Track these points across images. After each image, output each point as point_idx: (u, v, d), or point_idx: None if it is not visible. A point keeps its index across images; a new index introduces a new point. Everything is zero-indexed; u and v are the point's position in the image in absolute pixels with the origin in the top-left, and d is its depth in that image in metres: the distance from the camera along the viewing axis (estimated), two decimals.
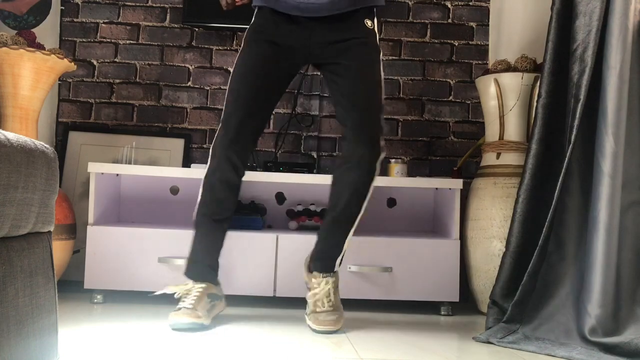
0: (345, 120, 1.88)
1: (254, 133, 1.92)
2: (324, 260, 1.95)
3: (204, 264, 1.93)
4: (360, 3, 1.89)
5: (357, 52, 1.89)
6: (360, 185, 1.87)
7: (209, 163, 1.91)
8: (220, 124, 1.90)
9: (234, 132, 1.86)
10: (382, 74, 1.92)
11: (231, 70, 2.83)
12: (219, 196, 1.90)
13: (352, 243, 2.26)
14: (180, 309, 1.81)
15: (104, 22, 2.80)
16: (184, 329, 1.78)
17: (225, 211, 1.92)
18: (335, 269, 1.95)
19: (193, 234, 1.94)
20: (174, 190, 2.59)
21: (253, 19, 1.98)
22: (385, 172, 2.53)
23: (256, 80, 1.89)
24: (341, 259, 1.96)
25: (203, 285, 1.89)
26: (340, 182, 1.89)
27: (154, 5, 2.82)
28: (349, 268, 2.23)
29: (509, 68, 2.34)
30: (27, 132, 2.17)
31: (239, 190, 1.93)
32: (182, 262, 2.18)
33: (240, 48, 1.95)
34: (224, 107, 1.91)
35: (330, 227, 1.94)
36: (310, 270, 1.98)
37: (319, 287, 1.91)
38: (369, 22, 1.92)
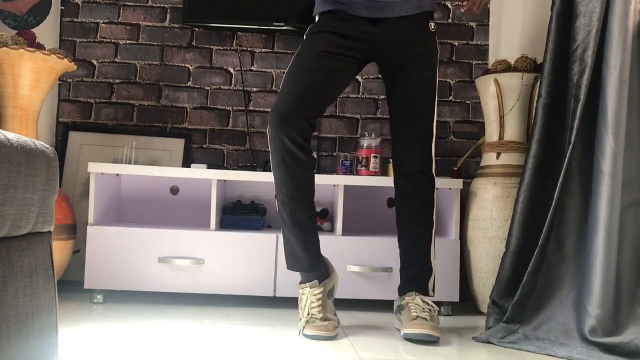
0: (398, 127, 1.90)
1: (307, 117, 1.79)
2: (416, 282, 1.89)
3: (308, 255, 1.84)
4: (424, 7, 1.89)
5: (422, 61, 1.88)
6: (426, 195, 1.89)
7: (271, 156, 1.81)
8: (270, 113, 1.80)
9: (283, 113, 1.76)
10: (437, 80, 1.94)
11: (231, 70, 2.82)
12: (293, 178, 1.79)
13: (353, 243, 2.27)
14: (310, 320, 1.78)
15: (104, 22, 2.80)
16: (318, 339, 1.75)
17: (304, 189, 1.81)
18: (430, 293, 1.90)
19: (282, 226, 1.85)
20: (174, 190, 2.59)
21: (317, 19, 1.94)
22: (385, 172, 2.53)
23: (310, 68, 1.83)
24: (433, 283, 1.91)
25: (318, 286, 1.83)
26: (405, 195, 1.90)
27: (154, 5, 2.82)
28: (349, 268, 2.23)
29: (509, 68, 2.34)
30: (27, 132, 2.17)
31: (312, 166, 1.83)
32: (182, 262, 2.19)
33: (304, 40, 1.90)
34: (281, 87, 1.85)
35: (410, 248, 1.91)
36: (401, 293, 1.91)
37: (414, 300, 1.84)
38: (432, 24, 1.92)
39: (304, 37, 1.93)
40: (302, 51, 1.87)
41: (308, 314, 1.79)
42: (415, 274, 1.91)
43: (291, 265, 1.88)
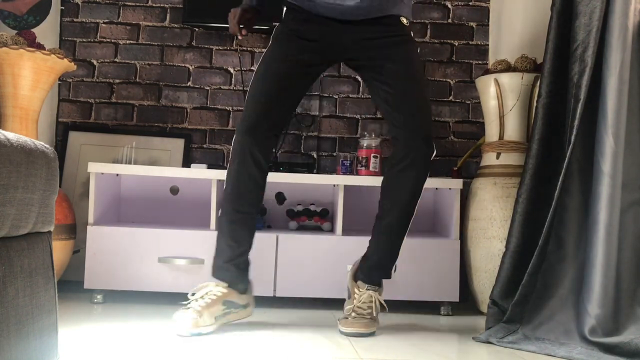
0: (396, 120, 1.85)
1: (273, 127, 1.84)
2: (376, 270, 1.91)
3: (227, 262, 1.86)
4: (388, 10, 1.86)
5: (398, 51, 1.86)
6: (418, 184, 1.85)
7: (230, 159, 1.86)
8: (240, 120, 1.85)
9: (250, 125, 1.80)
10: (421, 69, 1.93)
11: (231, 70, 2.82)
12: (241, 190, 1.83)
13: (352, 243, 2.27)
14: (188, 308, 1.77)
15: (104, 22, 2.80)
16: (183, 335, 1.73)
17: (248, 205, 1.85)
18: (390, 277, 1.92)
19: (217, 233, 1.88)
20: (174, 190, 2.59)
21: (283, 16, 1.93)
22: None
23: (277, 74, 1.84)
24: (395, 266, 1.93)
25: (223, 290, 1.84)
26: (396, 185, 1.86)
27: (154, 5, 2.82)
28: (349, 268, 2.22)
29: (509, 68, 2.34)
30: (27, 132, 2.17)
31: (263, 186, 1.86)
32: (182, 262, 2.19)
33: (269, 45, 1.91)
34: (247, 95, 1.86)
35: (386, 234, 1.89)
36: (355, 279, 1.93)
37: (359, 299, 1.87)
38: (404, 20, 1.90)
39: (274, 33, 1.91)
40: (268, 56, 1.87)
41: (190, 303, 1.80)
42: (379, 264, 1.91)
43: (220, 275, 1.87)
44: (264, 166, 1.84)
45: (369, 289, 1.88)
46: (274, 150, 1.91)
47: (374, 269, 1.91)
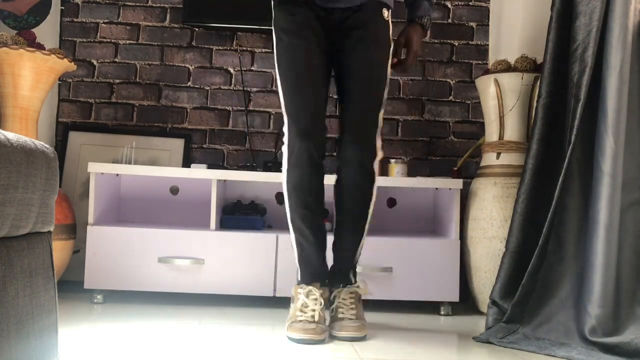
0: (341, 116, 1.86)
1: (324, 126, 1.85)
2: (339, 275, 1.89)
3: (317, 266, 1.85)
4: None
5: (367, 44, 1.83)
6: (360, 189, 1.84)
7: (285, 165, 1.82)
8: (288, 119, 1.81)
9: (306, 128, 1.78)
10: (389, 70, 1.88)
11: (231, 70, 2.82)
12: (312, 183, 1.81)
13: None
14: (298, 321, 1.74)
15: (104, 22, 2.80)
16: (306, 343, 1.70)
17: (320, 202, 1.84)
18: (352, 282, 1.88)
19: (294, 237, 1.86)
20: (174, 190, 2.59)
21: (274, 13, 1.89)
22: (385, 172, 2.53)
23: (308, 68, 1.81)
24: (354, 272, 1.90)
25: (319, 290, 1.82)
26: (340, 188, 1.87)
27: (154, 5, 2.82)
28: None
29: (509, 68, 2.34)
30: (27, 132, 2.17)
31: (323, 193, 1.86)
32: (182, 262, 2.18)
33: (275, 40, 1.87)
34: (283, 98, 1.82)
35: (341, 238, 1.89)
36: (330, 287, 1.90)
37: (341, 295, 1.84)
38: (385, 13, 1.88)
39: (276, 30, 1.86)
40: (286, 52, 1.83)
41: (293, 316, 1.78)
42: (343, 267, 1.89)
43: (307, 278, 1.85)
44: (323, 169, 1.84)
45: (344, 287, 1.87)
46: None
47: (337, 272, 1.91)
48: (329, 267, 1.92)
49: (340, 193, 1.87)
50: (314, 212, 1.83)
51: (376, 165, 1.85)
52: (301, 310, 1.77)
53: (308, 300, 1.79)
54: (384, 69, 1.86)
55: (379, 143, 1.84)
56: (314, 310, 1.76)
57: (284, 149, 1.83)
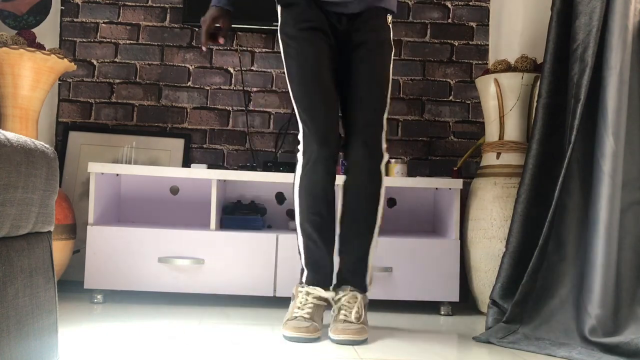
0: (346, 120, 1.86)
1: (338, 133, 1.84)
2: (347, 277, 1.86)
3: (324, 269, 1.85)
4: (377, 3, 1.86)
5: (371, 49, 1.85)
6: (368, 191, 1.84)
7: (300, 170, 1.83)
8: (303, 127, 1.81)
9: (324, 136, 1.79)
10: (391, 73, 1.90)
11: (231, 70, 2.82)
12: (326, 190, 1.82)
13: None
14: (292, 319, 1.75)
15: (104, 22, 2.80)
16: (298, 341, 1.71)
17: (332, 208, 1.85)
18: (367, 289, 1.86)
19: (303, 241, 1.85)
20: (174, 190, 2.59)
21: (281, 16, 1.89)
22: (385, 172, 2.52)
23: (319, 74, 1.81)
24: (370, 278, 1.87)
25: (322, 292, 1.81)
26: (348, 190, 1.86)
27: (154, 5, 2.82)
28: None
29: (509, 68, 2.34)
30: (27, 132, 2.17)
31: (334, 199, 1.85)
32: (182, 262, 2.18)
33: (283, 45, 1.86)
34: (297, 106, 1.82)
35: (348, 241, 1.86)
36: (336, 290, 1.86)
37: (344, 297, 1.81)
38: (389, 18, 1.90)
39: (283, 33, 1.86)
40: (297, 56, 1.82)
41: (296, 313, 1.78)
42: (352, 270, 1.86)
43: (315, 280, 1.83)
44: (335, 176, 1.84)
45: (352, 290, 1.83)
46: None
47: (347, 275, 1.88)
48: (336, 268, 1.90)
49: (348, 195, 1.86)
50: (325, 219, 1.83)
51: (383, 167, 1.86)
52: (298, 308, 1.78)
53: (309, 298, 1.79)
54: (387, 73, 1.88)
55: (384, 145, 1.85)
56: (310, 308, 1.77)
57: (300, 155, 1.83)
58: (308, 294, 1.81)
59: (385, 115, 1.86)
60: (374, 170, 1.83)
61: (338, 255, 1.88)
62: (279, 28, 1.88)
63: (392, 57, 1.91)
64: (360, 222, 1.85)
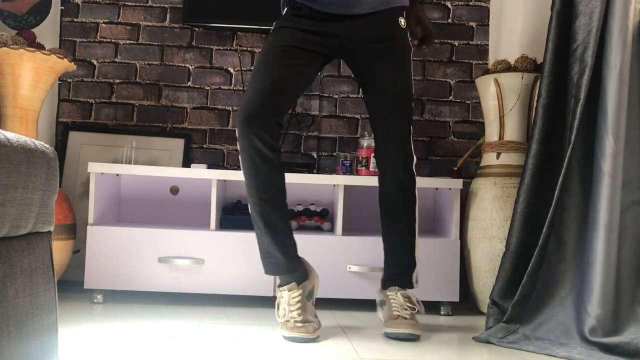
0: (377, 126, 1.90)
1: (275, 114, 1.76)
2: (395, 276, 1.92)
3: (282, 259, 1.81)
4: (392, 3, 1.87)
5: (393, 57, 1.87)
6: (406, 190, 1.89)
7: (240, 156, 1.78)
8: (238, 110, 1.79)
9: (251, 112, 1.73)
10: (412, 74, 1.93)
11: (231, 70, 2.82)
12: (260, 171, 1.75)
13: (352, 243, 2.27)
14: (288, 321, 1.76)
15: (104, 22, 2.80)
16: (297, 341, 1.72)
17: (273, 191, 1.78)
18: (414, 286, 1.92)
19: (256, 229, 1.81)
20: (174, 190, 2.59)
21: (284, 14, 1.92)
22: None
23: (276, 61, 1.80)
24: (417, 275, 1.93)
25: (297, 289, 1.79)
26: (386, 192, 1.91)
27: (154, 5, 2.82)
28: (349, 268, 2.23)
29: (509, 68, 2.34)
30: (27, 132, 2.17)
31: (280, 168, 1.79)
32: (182, 262, 2.18)
33: (268, 37, 1.90)
34: (246, 91, 1.84)
35: (390, 241, 1.93)
36: (384, 287, 1.94)
37: (396, 297, 1.87)
38: (402, 21, 1.90)
39: (271, 32, 1.90)
40: (267, 46, 1.86)
41: (285, 317, 1.77)
42: (399, 269, 1.92)
43: (269, 270, 1.85)
44: (276, 146, 1.76)
45: (399, 290, 1.90)
46: (280, 134, 1.86)
47: (396, 275, 1.94)
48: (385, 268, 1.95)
49: (387, 196, 1.91)
50: (266, 202, 1.77)
51: (414, 168, 1.92)
52: (290, 312, 1.78)
53: (289, 299, 1.79)
54: (410, 77, 1.92)
55: (412, 147, 1.91)
56: (298, 308, 1.77)
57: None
58: (288, 296, 1.80)
59: (411, 119, 1.91)
60: (409, 170, 1.90)
61: (385, 255, 1.94)
62: (275, 22, 1.91)
63: (412, 58, 1.94)
64: (401, 220, 1.91)
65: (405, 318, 1.82)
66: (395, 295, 1.87)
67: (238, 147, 1.78)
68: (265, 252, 1.83)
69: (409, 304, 1.86)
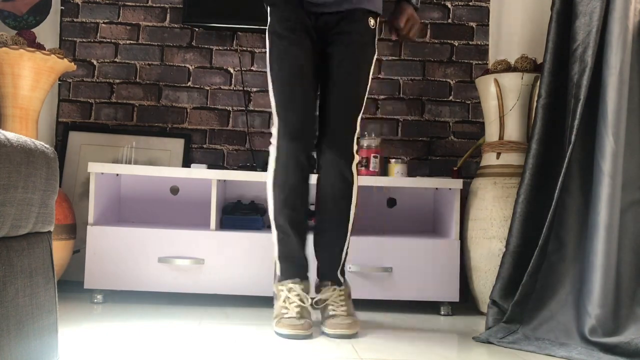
0: (322, 118, 1.89)
1: (314, 129, 1.87)
2: (326, 274, 1.93)
3: (298, 261, 1.90)
4: (360, 4, 1.88)
5: (354, 51, 1.88)
6: (339, 192, 1.88)
7: (273, 165, 1.86)
8: (278, 120, 1.84)
9: (296, 130, 1.82)
10: (370, 76, 1.92)
11: (231, 70, 2.82)
12: (295, 182, 1.84)
13: (353, 243, 2.27)
14: (285, 317, 1.79)
15: (104, 22, 2.80)
16: (294, 338, 1.75)
17: (302, 199, 1.87)
18: (342, 283, 1.92)
19: (277, 235, 1.89)
20: (174, 190, 2.59)
21: (269, 17, 1.93)
22: (385, 172, 2.53)
23: (298, 71, 1.84)
24: (342, 270, 1.93)
25: (300, 285, 1.86)
26: (320, 190, 1.91)
27: (154, 5, 2.81)
28: (349, 268, 2.23)
29: (509, 68, 2.34)
30: (27, 132, 2.17)
31: (309, 177, 1.88)
32: (182, 262, 2.18)
33: (269, 43, 1.90)
34: (274, 100, 1.86)
35: (323, 238, 1.94)
36: (317, 289, 1.95)
37: (327, 293, 1.89)
38: (372, 21, 1.91)
39: (270, 32, 1.90)
40: (279, 53, 1.86)
41: (281, 312, 1.81)
42: (331, 265, 1.93)
43: (288, 274, 1.88)
44: (310, 170, 1.87)
45: (332, 285, 1.91)
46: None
47: (323, 273, 1.96)
48: (316, 266, 1.96)
49: (321, 195, 1.92)
50: (298, 212, 1.87)
51: (354, 168, 1.89)
52: (286, 307, 1.81)
53: (291, 295, 1.83)
54: (366, 76, 1.90)
55: (355, 147, 1.89)
56: (298, 306, 1.80)
57: (272, 149, 1.87)
58: (290, 290, 1.84)
59: (359, 118, 1.90)
60: (343, 171, 1.87)
61: (315, 253, 1.96)
62: (267, 28, 1.92)
63: (374, 59, 1.93)
64: (333, 220, 1.92)
65: (342, 315, 1.83)
66: (331, 294, 1.88)
67: (274, 158, 1.85)
68: (287, 257, 1.89)
69: (342, 299, 1.87)
